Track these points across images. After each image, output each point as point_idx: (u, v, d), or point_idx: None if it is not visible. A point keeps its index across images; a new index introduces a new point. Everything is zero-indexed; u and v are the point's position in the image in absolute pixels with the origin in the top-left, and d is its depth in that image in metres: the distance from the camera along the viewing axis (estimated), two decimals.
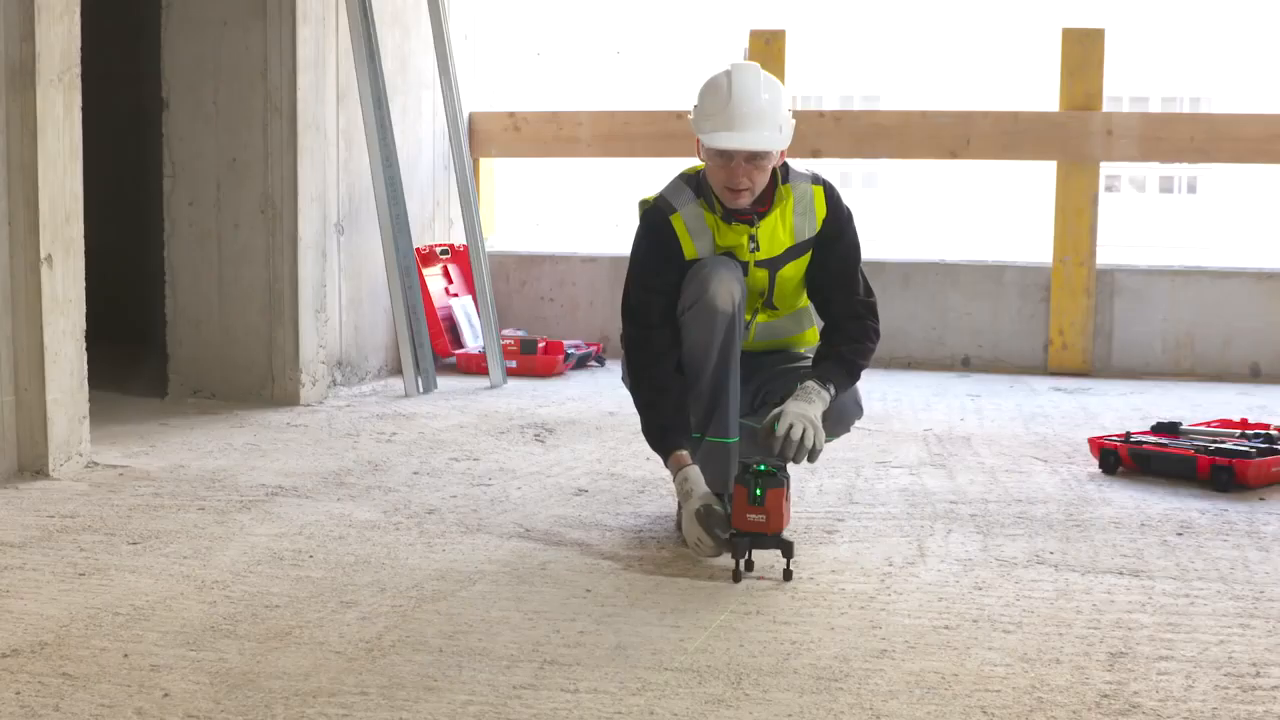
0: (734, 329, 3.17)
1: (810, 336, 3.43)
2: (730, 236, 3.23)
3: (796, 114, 3.40)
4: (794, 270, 3.28)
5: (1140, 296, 6.21)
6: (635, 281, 3.27)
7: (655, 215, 3.24)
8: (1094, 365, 6.19)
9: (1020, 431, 4.76)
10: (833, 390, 3.16)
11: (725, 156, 3.10)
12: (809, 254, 3.28)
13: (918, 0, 19.58)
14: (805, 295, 3.37)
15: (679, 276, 3.23)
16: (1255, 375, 6.06)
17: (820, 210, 3.25)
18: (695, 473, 3.13)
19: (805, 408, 3.07)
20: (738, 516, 2.96)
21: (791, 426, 3.04)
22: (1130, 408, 5.24)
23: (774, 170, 3.18)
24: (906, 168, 18.36)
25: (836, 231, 3.27)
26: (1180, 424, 4.29)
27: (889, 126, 6.51)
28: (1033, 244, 7.54)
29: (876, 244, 6.03)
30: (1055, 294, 6.20)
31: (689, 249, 3.23)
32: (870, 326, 3.27)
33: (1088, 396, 5.55)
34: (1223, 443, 4.02)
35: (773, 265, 3.25)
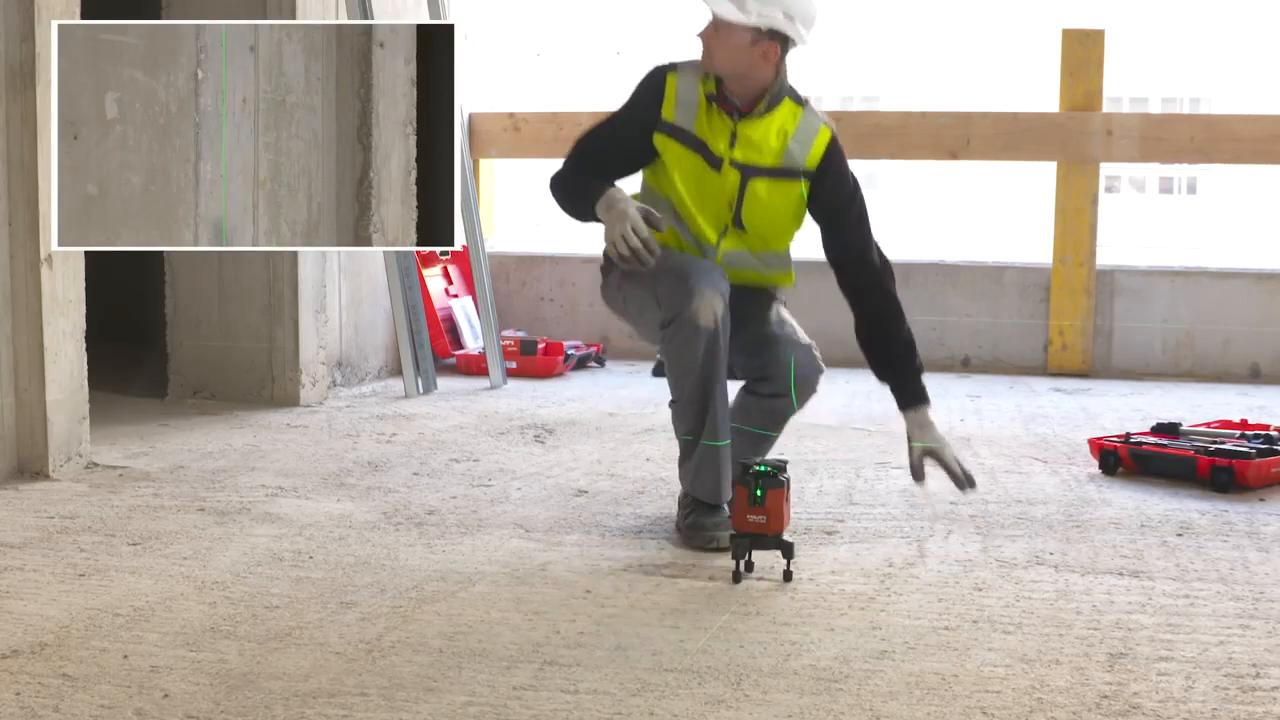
0: (717, 344, 3.15)
1: (782, 280, 3.41)
2: (713, 122, 3.24)
3: None
4: (768, 193, 3.24)
5: (1140, 297, 6.21)
6: (611, 115, 3.34)
7: (657, 69, 3.32)
8: (1094, 366, 6.20)
9: (1020, 432, 4.76)
10: (924, 393, 3.37)
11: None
12: (792, 190, 3.26)
13: (918, 0, 19.59)
14: (786, 239, 3.36)
15: (639, 136, 3.27)
16: (1255, 376, 6.06)
17: (816, 150, 3.24)
18: (621, 193, 3.20)
19: (926, 434, 3.30)
20: (738, 517, 2.96)
21: (945, 464, 3.26)
22: (1130, 408, 5.24)
23: (777, 83, 3.21)
24: (906, 168, 18.37)
25: (837, 188, 3.27)
26: (1180, 425, 4.29)
27: (889, 127, 6.51)
28: (1033, 244, 7.54)
29: None
30: (1055, 294, 6.20)
31: (669, 110, 3.26)
32: (891, 288, 3.34)
33: (1088, 397, 5.55)
34: (1222, 443, 4.02)
35: (746, 170, 3.23)
